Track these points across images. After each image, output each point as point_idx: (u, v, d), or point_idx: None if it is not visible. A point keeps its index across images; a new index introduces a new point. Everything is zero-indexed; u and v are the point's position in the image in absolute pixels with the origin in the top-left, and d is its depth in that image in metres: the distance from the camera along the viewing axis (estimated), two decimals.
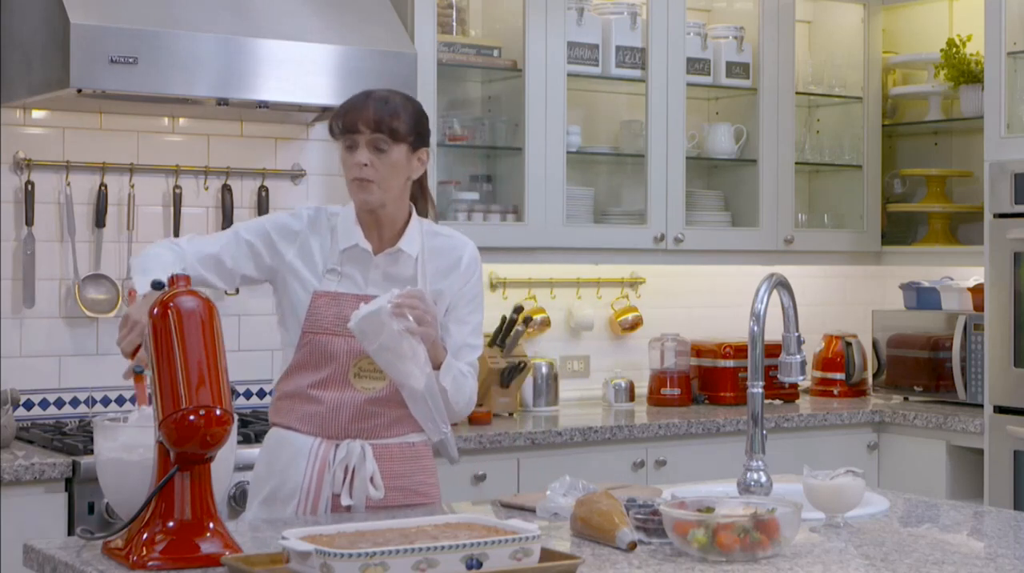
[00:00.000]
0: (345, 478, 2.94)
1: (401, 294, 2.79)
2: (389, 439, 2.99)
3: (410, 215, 3.04)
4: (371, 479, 2.94)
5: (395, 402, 2.96)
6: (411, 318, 2.77)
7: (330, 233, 3.02)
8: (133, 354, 2.71)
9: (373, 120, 2.92)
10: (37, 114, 4.19)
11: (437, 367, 2.91)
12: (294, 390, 3.00)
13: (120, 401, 4.27)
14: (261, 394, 4.49)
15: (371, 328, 2.76)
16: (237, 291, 4.39)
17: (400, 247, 3.00)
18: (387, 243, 3.01)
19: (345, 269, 2.99)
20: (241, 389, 4.45)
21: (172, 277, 2.51)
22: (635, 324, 5.21)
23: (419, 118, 3.00)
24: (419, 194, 3.09)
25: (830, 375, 5.36)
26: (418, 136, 2.98)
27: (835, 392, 5.33)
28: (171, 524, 2.37)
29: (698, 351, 5.10)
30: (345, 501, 2.94)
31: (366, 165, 2.92)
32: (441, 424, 2.97)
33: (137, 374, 2.70)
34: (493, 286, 4.97)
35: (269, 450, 3.04)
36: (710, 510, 2.47)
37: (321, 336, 2.96)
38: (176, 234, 4.31)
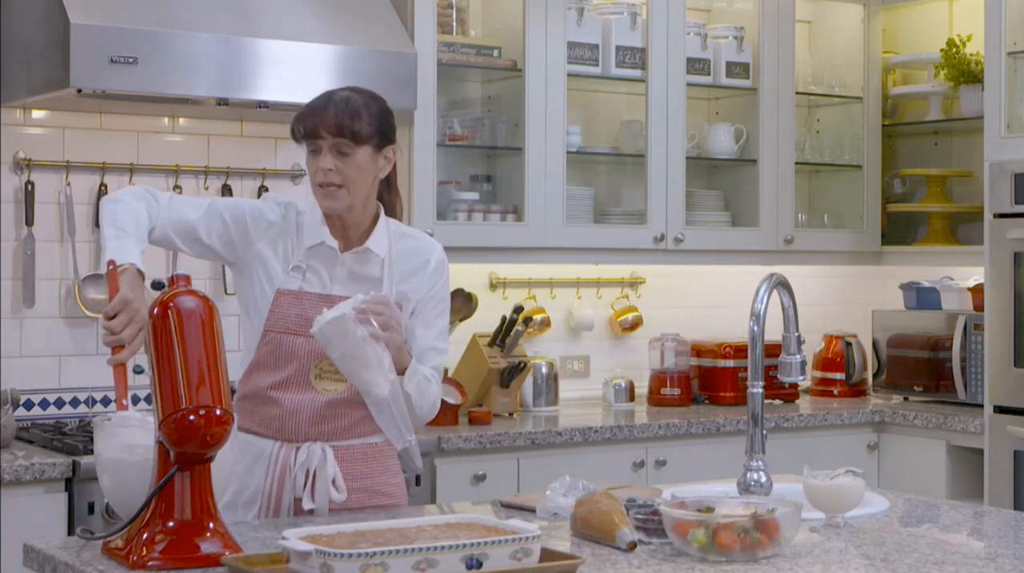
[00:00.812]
0: (306, 482, 2.90)
1: (366, 299, 2.75)
2: (351, 440, 2.95)
3: (377, 215, 3.01)
4: (333, 481, 2.90)
5: (356, 404, 2.93)
6: (375, 324, 2.72)
7: (296, 230, 2.97)
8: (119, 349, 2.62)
9: (334, 125, 2.87)
10: (37, 114, 4.19)
11: (402, 372, 2.87)
12: (253, 391, 2.95)
13: None
14: None
15: (335, 334, 2.71)
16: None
17: (368, 247, 2.96)
18: (354, 243, 2.97)
19: (310, 266, 2.95)
20: None
21: (172, 277, 2.50)
22: (635, 324, 5.21)
23: (383, 116, 2.95)
24: (386, 191, 3.04)
25: (830, 375, 5.36)
26: (382, 135, 2.93)
27: (835, 392, 5.33)
28: (171, 524, 2.37)
29: (698, 351, 5.10)
30: (307, 505, 2.89)
31: (331, 170, 2.88)
32: (406, 433, 2.94)
33: (117, 366, 2.62)
34: (493, 286, 4.96)
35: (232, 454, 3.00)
36: (710, 510, 2.47)
37: (282, 335, 2.91)
38: None
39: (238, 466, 2.92)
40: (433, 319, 3.01)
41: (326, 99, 2.92)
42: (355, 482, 2.94)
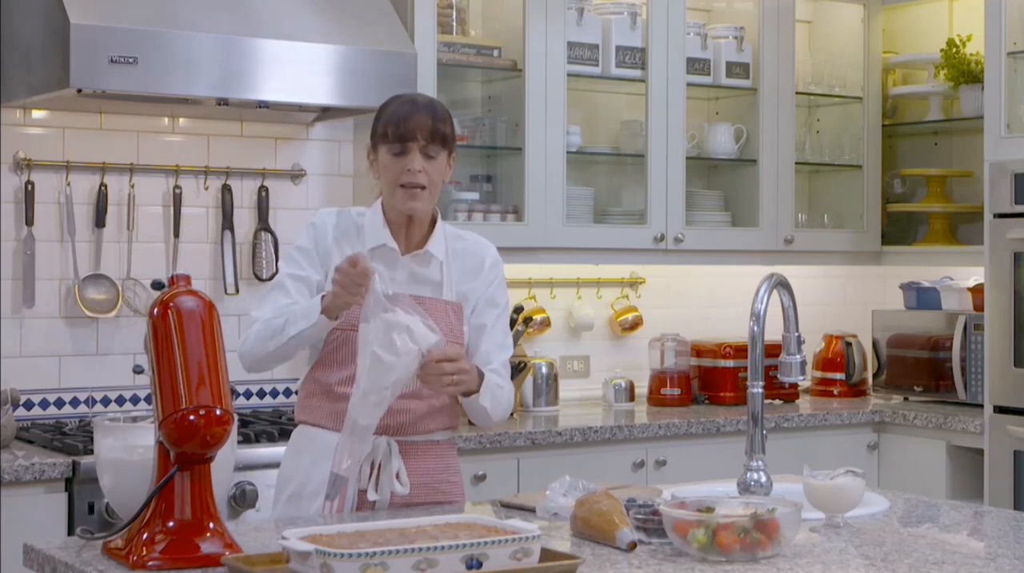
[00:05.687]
0: (371, 474, 2.96)
1: (438, 351, 2.79)
2: (415, 437, 3.01)
3: (435, 218, 3.09)
4: (396, 475, 2.97)
5: (420, 400, 2.99)
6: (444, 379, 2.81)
7: (357, 232, 3.05)
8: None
9: (429, 130, 2.97)
10: (37, 114, 4.19)
11: (476, 391, 2.94)
12: (320, 387, 3.02)
13: (120, 401, 4.27)
14: (261, 394, 4.49)
15: (367, 310, 2.78)
16: (237, 291, 4.40)
17: (428, 250, 3.04)
18: (414, 246, 3.05)
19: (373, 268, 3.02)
20: (241, 389, 4.45)
21: (172, 277, 2.50)
22: (635, 324, 5.21)
23: (453, 124, 3.07)
24: None
25: (830, 375, 5.36)
26: (455, 142, 3.06)
27: (835, 392, 5.33)
28: (171, 524, 2.37)
29: (698, 351, 5.10)
30: (371, 496, 2.95)
31: (420, 171, 2.96)
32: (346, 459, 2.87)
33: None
34: None
35: (295, 448, 3.07)
36: (710, 510, 2.47)
37: (348, 332, 2.96)
38: (176, 235, 4.32)
39: (302, 459, 3.01)
40: (495, 318, 3.10)
41: (412, 103, 3.01)
42: (417, 478, 3.01)
